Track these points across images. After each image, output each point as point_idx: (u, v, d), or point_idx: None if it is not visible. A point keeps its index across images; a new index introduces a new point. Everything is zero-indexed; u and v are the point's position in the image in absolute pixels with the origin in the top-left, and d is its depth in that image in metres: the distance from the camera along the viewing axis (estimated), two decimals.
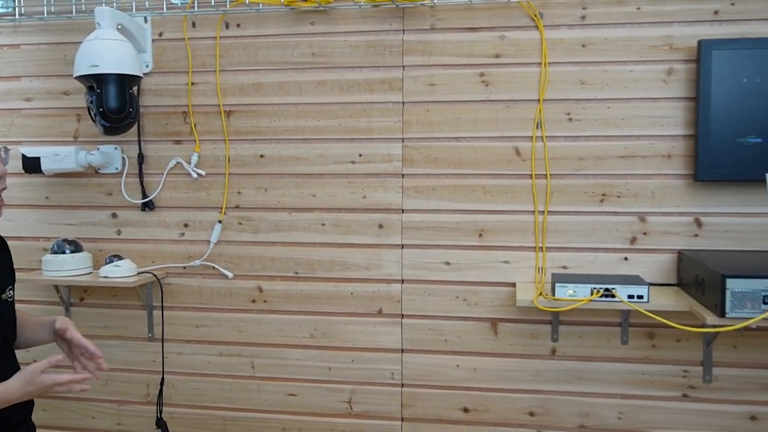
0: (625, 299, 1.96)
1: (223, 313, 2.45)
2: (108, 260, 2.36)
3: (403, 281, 2.34)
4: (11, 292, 1.51)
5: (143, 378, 2.52)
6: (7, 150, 1.41)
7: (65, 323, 1.47)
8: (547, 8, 2.19)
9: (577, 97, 2.19)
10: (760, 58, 2.02)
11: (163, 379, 2.49)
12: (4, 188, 1.39)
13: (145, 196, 2.46)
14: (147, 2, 2.39)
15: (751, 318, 1.75)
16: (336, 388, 2.41)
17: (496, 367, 2.31)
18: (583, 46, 2.18)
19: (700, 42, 2.06)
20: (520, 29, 2.21)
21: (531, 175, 2.24)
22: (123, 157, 2.46)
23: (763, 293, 1.76)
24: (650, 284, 2.12)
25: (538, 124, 2.22)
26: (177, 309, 2.47)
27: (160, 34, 2.42)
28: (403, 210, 2.32)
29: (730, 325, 1.75)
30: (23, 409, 1.49)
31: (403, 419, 2.38)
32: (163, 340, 2.47)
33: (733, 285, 1.77)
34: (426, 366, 2.35)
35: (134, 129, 2.42)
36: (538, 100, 2.21)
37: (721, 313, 1.78)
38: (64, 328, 1.45)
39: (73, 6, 2.43)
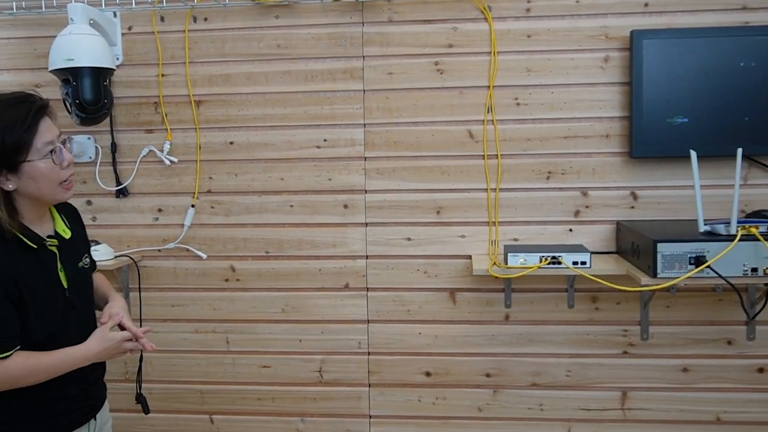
0: (570, 265, 2.17)
1: (197, 293, 2.58)
2: None
3: (367, 257, 2.51)
4: (87, 259, 1.66)
5: (122, 356, 2.63)
6: (70, 139, 1.56)
7: (119, 314, 1.63)
8: (495, 1, 2.37)
9: (524, 83, 2.39)
10: (686, 46, 2.25)
11: (141, 356, 2.59)
12: (72, 174, 1.54)
13: (119, 183, 2.57)
14: None
15: (678, 277, 1.98)
16: (307, 358, 2.57)
17: (455, 334, 2.50)
18: (529, 36, 2.38)
19: (632, 32, 2.28)
20: (470, 21, 2.39)
21: (483, 155, 2.43)
22: (96, 147, 2.57)
23: (689, 255, 1.98)
24: (592, 252, 2.33)
25: (488, 108, 2.41)
26: (153, 290, 2.60)
27: (130, 28, 2.53)
28: (366, 190, 2.49)
29: (661, 284, 1.98)
30: (98, 367, 1.66)
31: (370, 385, 2.56)
32: (141, 320, 2.59)
33: (663, 249, 1.99)
34: (390, 335, 2.53)
35: (106, 119, 2.52)
36: (489, 87, 2.40)
37: (654, 274, 2.00)
38: (118, 318, 1.62)
39: (43, 2, 2.51)
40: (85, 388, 1.61)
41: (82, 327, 1.59)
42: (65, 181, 1.51)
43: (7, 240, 1.44)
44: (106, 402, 1.75)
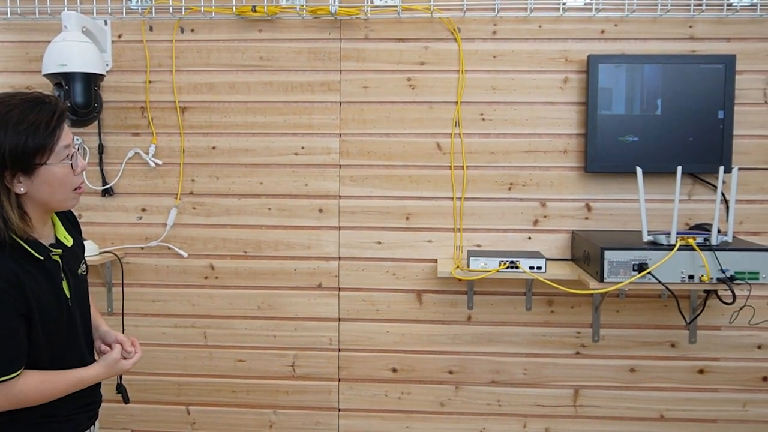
0: (527, 270, 2.35)
1: (178, 289, 2.72)
2: None
3: (340, 258, 2.66)
4: (84, 265, 1.62)
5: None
6: (83, 145, 1.57)
7: (111, 334, 1.66)
8: (464, 24, 2.55)
9: (489, 100, 2.57)
10: (637, 70, 2.44)
11: None
12: (83, 181, 1.50)
13: (105, 183, 2.70)
14: (109, 7, 2.62)
15: (622, 281, 2.16)
16: (280, 353, 2.71)
17: (420, 332, 2.66)
18: (494, 56, 2.56)
19: (589, 56, 2.46)
20: (441, 41, 2.56)
21: (450, 166, 2.60)
22: (84, 148, 2.69)
23: (632, 262, 2.17)
24: (549, 259, 2.51)
25: (456, 122, 2.58)
26: (135, 285, 2.72)
27: (120, 36, 2.66)
28: (340, 196, 2.65)
29: (607, 288, 2.16)
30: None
31: (340, 380, 2.71)
32: (123, 314, 2.72)
33: (609, 256, 2.17)
34: (360, 333, 2.68)
35: (95, 122, 2.64)
36: (457, 102, 2.58)
37: (601, 279, 2.18)
38: (113, 338, 1.64)
39: (37, 8, 2.64)
40: (92, 388, 1.62)
41: (85, 336, 1.59)
42: (76, 187, 1.48)
43: (14, 251, 1.39)
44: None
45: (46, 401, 1.47)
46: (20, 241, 1.40)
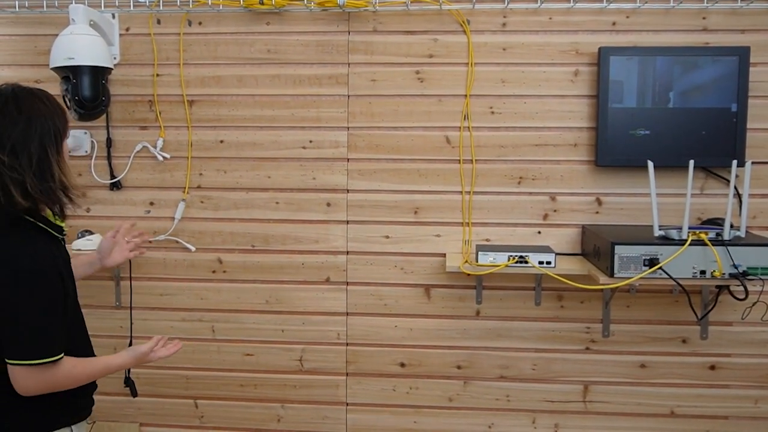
0: (536, 265, 2.33)
1: (185, 283, 2.71)
2: (80, 234, 2.59)
3: (348, 253, 2.65)
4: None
5: (111, 342, 2.76)
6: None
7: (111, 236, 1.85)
8: (473, 16, 2.52)
9: (499, 93, 2.54)
10: (649, 62, 2.41)
11: (131, 342, 2.72)
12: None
13: (113, 176, 2.69)
14: (116, 0, 2.61)
15: (633, 277, 2.13)
16: (288, 348, 2.70)
17: (428, 327, 2.64)
18: (504, 49, 2.53)
19: (600, 48, 2.43)
20: (450, 33, 2.54)
21: (459, 160, 2.58)
22: (92, 141, 2.69)
23: (643, 257, 2.14)
24: (558, 253, 2.48)
25: (465, 116, 2.56)
26: (143, 279, 2.72)
27: (127, 29, 2.66)
28: (348, 190, 2.63)
29: (617, 283, 2.14)
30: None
31: (347, 374, 2.70)
32: (131, 308, 2.71)
33: (620, 251, 2.15)
34: (368, 327, 2.67)
35: (103, 115, 2.63)
36: (466, 96, 2.55)
37: (611, 274, 2.16)
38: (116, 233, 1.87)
39: (44, 1, 2.63)
40: (91, 393, 1.67)
41: (83, 319, 1.65)
42: None
43: (42, 234, 1.43)
44: None
45: (74, 387, 1.49)
46: (39, 223, 1.45)
